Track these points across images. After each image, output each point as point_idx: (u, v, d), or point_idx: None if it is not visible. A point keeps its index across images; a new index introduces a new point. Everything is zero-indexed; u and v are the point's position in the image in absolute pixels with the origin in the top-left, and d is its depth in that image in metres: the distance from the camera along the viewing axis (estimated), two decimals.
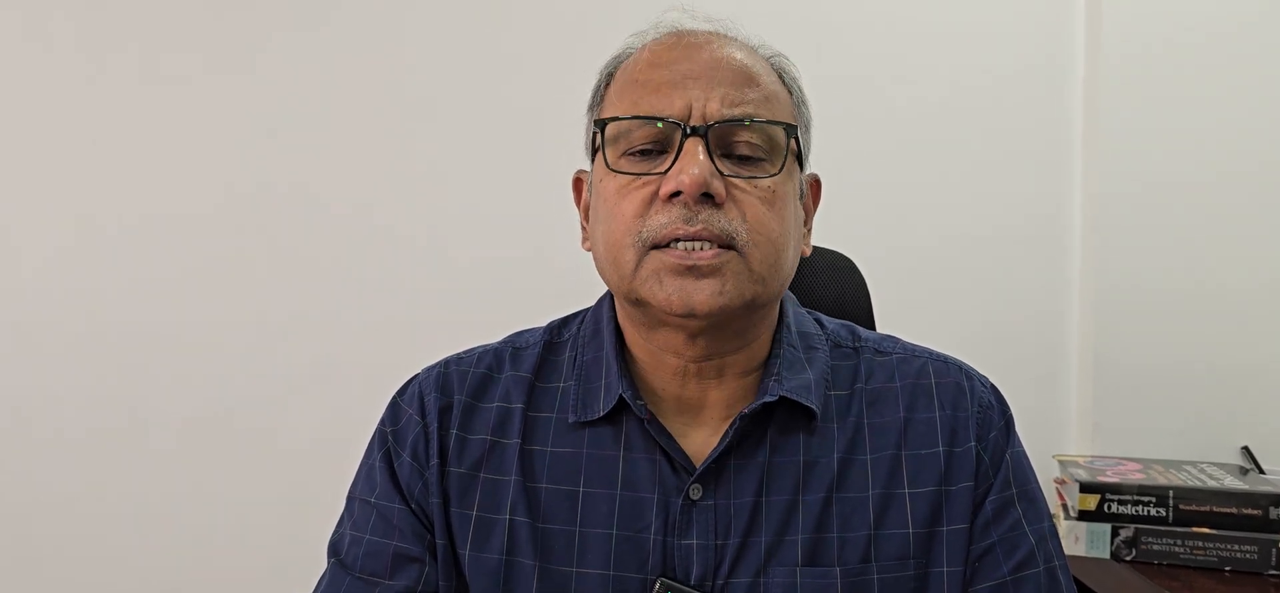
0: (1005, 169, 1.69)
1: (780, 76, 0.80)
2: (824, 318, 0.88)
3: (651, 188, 0.72)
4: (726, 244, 0.71)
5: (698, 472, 0.76)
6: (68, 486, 1.71)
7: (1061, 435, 1.69)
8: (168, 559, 1.71)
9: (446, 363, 0.84)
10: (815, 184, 0.85)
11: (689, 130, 0.72)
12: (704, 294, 0.71)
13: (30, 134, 1.70)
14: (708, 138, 0.72)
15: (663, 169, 0.72)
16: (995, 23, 1.69)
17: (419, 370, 0.85)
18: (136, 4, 1.70)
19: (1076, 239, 1.68)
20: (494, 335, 0.88)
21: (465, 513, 0.77)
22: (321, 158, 1.71)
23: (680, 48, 0.76)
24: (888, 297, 1.50)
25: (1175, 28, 1.61)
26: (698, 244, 0.70)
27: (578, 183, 0.85)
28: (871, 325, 1.10)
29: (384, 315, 1.71)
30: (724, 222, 0.71)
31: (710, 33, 0.79)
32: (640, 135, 0.74)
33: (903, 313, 1.64)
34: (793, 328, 0.82)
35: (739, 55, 0.76)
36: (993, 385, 0.85)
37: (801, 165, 0.80)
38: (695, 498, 0.76)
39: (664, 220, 0.71)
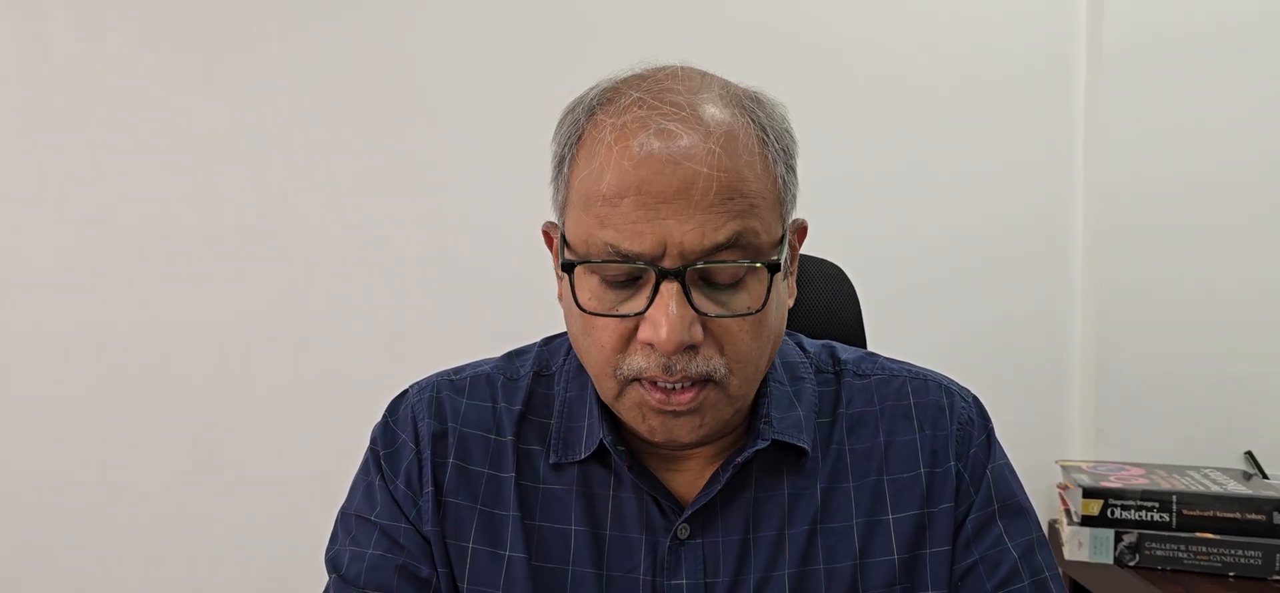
0: (1008, 175, 1.69)
1: (763, 146, 0.71)
2: (804, 341, 0.87)
3: (629, 325, 0.69)
4: (704, 381, 0.70)
5: (686, 513, 0.76)
6: (67, 495, 1.72)
7: (1064, 441, 1.69)
8: (168, 570, 1.73)
9: (438, 385, 0.83)
10: (802, 230, 0.80)
11: (664, 272, 0.67)
12: (684, 430, 0.71)
13: (32, 138, 1.71)
14: (685, 277, 0.67)
15: (638, 308, 0.68)
16: (996, 27, 1.68)
17: (410, 386, 0.84)
18: (137, 10, 1.70)
19: (1079, 244, 1.68)
20: (497, 341, 0.87)
21: (462, 546, 0.78)
22: (323, 166, 1.72)
23: (652, 164, 0.66)
24: (895, 303, 1.51)
25: (1177, 32, 1.60)
26: (677, 386, 0.70)
27: (548, 235, 0.80)
28: (861, 333, 1.09)
29: (388, 324, 1.72)
30: (702, 364, 0.69)
31: (683, 126, 0.67)
32: (613, 271, 0.69)
33: (909, 318, 1.66)
34: (777, 361, 0.82)
35: (717, 153, 0.67)
36: (975, 398, 0.84)
37: (784, 237, 0.73)
38: (683, 537, 0.76)
39: (642, 363, 0.69)
